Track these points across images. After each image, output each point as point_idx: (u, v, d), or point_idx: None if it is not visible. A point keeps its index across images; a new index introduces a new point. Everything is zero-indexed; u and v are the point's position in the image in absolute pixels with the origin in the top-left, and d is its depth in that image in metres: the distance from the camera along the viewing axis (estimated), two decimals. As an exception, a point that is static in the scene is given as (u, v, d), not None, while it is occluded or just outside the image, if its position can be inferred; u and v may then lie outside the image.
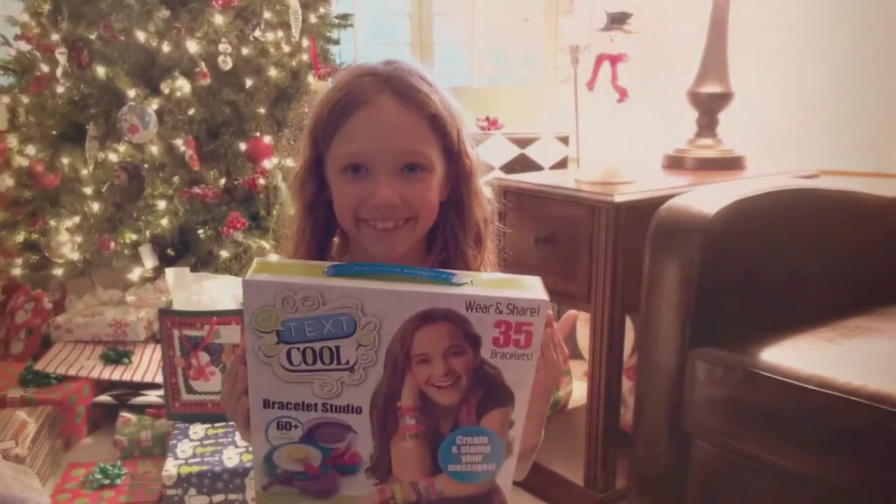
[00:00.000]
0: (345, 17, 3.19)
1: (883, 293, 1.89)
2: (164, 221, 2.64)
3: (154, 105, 2.60)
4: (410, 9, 3.52)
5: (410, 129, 0.95)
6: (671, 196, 1.75)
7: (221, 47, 2.65)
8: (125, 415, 2.35)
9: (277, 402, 0.81)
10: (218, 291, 2.47)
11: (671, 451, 1.68)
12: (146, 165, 2.66)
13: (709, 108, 2.33)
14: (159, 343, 2.36)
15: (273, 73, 2.78)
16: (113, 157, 2.65)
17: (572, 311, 0.97)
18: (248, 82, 2.74)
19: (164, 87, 2.63)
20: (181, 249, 2.77)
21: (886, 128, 2.36)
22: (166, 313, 2.30)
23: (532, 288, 0.80)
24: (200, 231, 2.68)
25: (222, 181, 2.70)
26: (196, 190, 2.65)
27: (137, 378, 2.46)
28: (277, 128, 2.82)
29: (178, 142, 2.64)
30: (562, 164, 2.90)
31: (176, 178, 2.67)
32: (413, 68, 0.98)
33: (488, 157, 2.73)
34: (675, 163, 2.34)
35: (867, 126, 2.41)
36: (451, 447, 0.84)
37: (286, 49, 2.84)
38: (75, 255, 2.70)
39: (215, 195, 2.67)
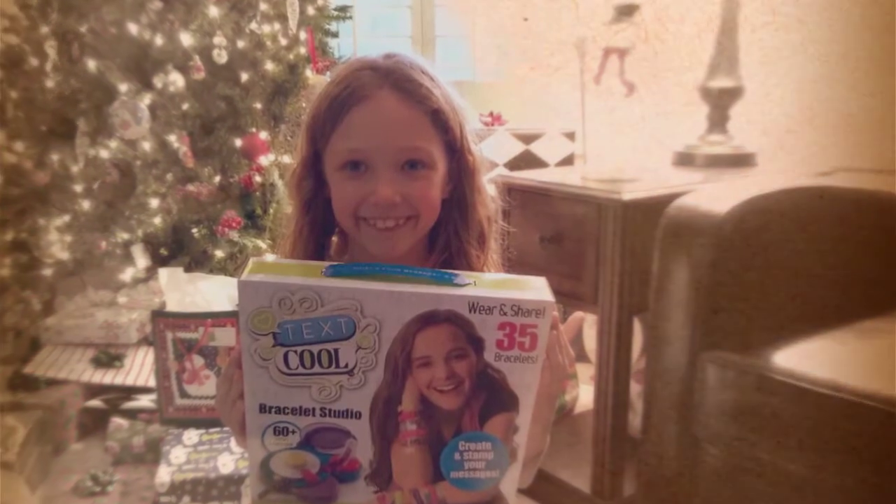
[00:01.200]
0: (343, 8, 3.19)
1: (899, 294, 1.89)
2: (157, 220, 2.64)
3: (147, 100, 2.60)
4: (411, 0, 3.52)
5: (411, 125, 0.95)
6: (681, 194, 1.75)
7: (216, 40, 2.65)
8: (117, 420, 2.35)
9: (274, 406, 0.81)
10: (213, 292, 2.47)
11: (681, 457, 1.68)
12: (139, 162, 2.66)
13: (720, 104, 2.33)
14: (152, 346, 2.36)
15: (270, 66, 2.78)
16: (104, 154, 2.65)
17: (579, 313, 0.97)
18: (244, 76, 2.74)
19: (157, 82, 2.63)
20: (175, 249, 2.77)
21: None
22: (159, 315, 2.30)
23: (537, 289, 0.80)
24: (194, 230, 2.68)
25: (217, 178, 2.70)
26: (190, 188, 2.65)
27: (129, 382, 2.46)
28: (274, 123, 2.82)
29: (172, 138, 2.64)
30: (568, 161, 2.90)
31: (169, 176, 2.67)
32: (414, 62, 0.98)
33: (492, 153, 2.73)
34: (684, 159, 2.34)
35: (883, 122, 2.41)
36: (453, 453, 0.84)
37: (283, 42, 2.84)
38: (65, 255, 2.70)
39: (210, 193, 2.67)
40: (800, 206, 1.81)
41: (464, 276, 0.79)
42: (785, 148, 2.53)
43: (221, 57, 2.66)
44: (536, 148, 2.85)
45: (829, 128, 2.50)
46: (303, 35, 2.91)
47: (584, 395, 2.56)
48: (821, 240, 1.81)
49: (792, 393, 1.47)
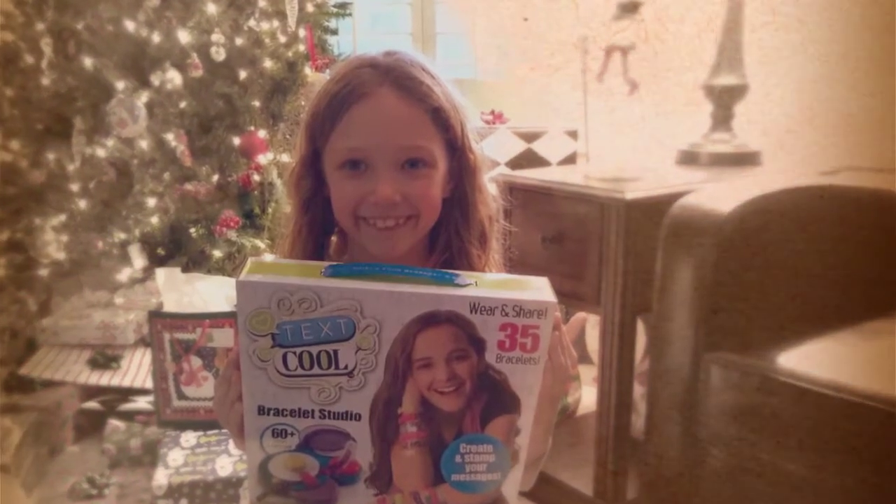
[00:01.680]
0: (343, 5, 3.19)
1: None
2: (155, 220, 2.65)
3: (144, 98, 2.60)
4: (412, -4, 3.52)
5: (411, 123, 0.95)
6: (684, 193, 1.75)
7: (214, 37, 2.65)
8: (114, 422, 2.35)
9: (273, 408, 0.81)
10: (210, 293, 2.47)
11: (684, 459, 1.68)
12: (136, 161, 2.66)
13: (723, 102, 2.33)
14: (149, 347, 2.36)
15: (268, 64, 2.79)
16: (101, 153, 2.66)
17: (581, 314, 0.97)
18: (242, 74, 2.74)
19: (155, 79, 2.63)
20: (172, 249, 2.77)
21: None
22: (156, 315, 2.30)
23: (539, 289, 0.80)
24: (192, 230, 2.68)
25: (215, 177, 2.70)
26: (188, 187, 2.65)
27: (126, 383, 2.46)
28: (273, 122, 2.82)
29: (169, 136, 2.64)
30: (570, 160, 2.90)
31: (167, 175, 2.67)
32: (415, 59, 0.98)
33: (493, 152, 2.73)
34: (688, 158, 2.34)
35: (883, 122, 2.42)
36: (454, 456, 0.84)
37: (282, 39, 2.84)
38: (61, 255, 2.70)
39: (208, 192, 2.67)
40: (800, 206, 1.81)
41: (465, 276, 0.79)
42: (785, 148, 2.53)
43: (219, 54, 2.66)
44: (538, 146, 2.84)
45: (829, 128, 2.50)
46: (302, 32, 2.91)
47: (586, 397, 2.56)
48: (821, 240, 1.81)
49: (793, 393, 1.48)
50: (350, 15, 3.26)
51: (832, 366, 1.52)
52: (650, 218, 1.79)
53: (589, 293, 1.94)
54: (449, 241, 1.01)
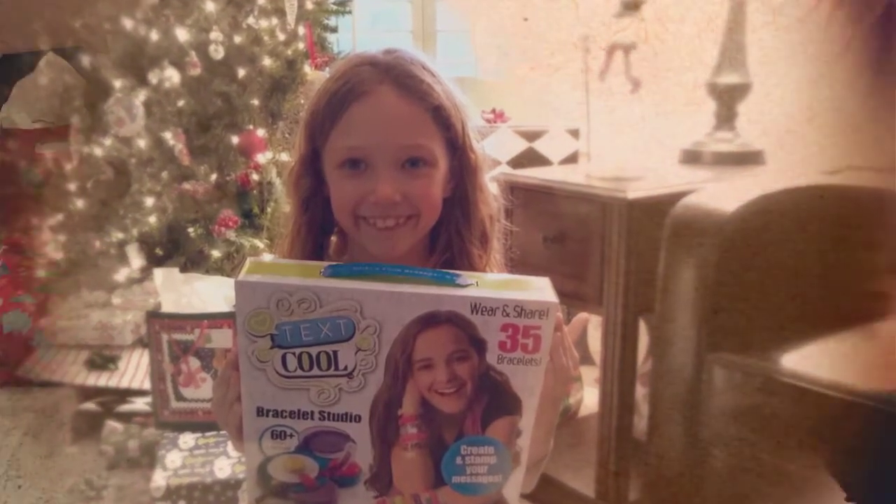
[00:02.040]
0: (343, 3, 3.19)
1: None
2: (153, 219, 2.64)
3: (142, 96, 2.60)
4: (412, -6, 3.52)
5: (412, 122, 0.94)
6: (687, 193, 1.75)
7: (213, 35, 2.65)
8: (111, 423, 2.35)
9: (272, 409, 0.80)
10: (209, 293, 2.47)
11: (686, 459, 1.68)
12: (133, 160, 2.66)
13: (727, 101, 2.33)
14: (147, 347, 2.36)
15: (267, 62, 2.78)
16: (98, 152, 2.65)
17: (583, 314, 0.97)
18: (241, 72, 2.74)
19: (153, 78, 2.63)
20: (170, 249, 2.77)
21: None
22: (154, 316, 2.30)
23: (541, 289, 0.79)
24: (190, 229, 2.68)
25: (213, 177, 2.70)
26: (186, 186, 2.65)
27: (124, 384, 2.46)
28: (272, 120, 2.82)
29: (167, 135, 2.64)
30: (572, 159, 2.89)
31: (165, 174, 2.67)
32: (415, 58, 0.98)
33: (494, 150, 2.72)
34: (691, 157, 2.33)
35: (883, 122, 2.42)
36: (455, 457, 0.83)
37: (281, 37, 2.84)
38: (59, 255, 2.70)
39: (206, 191, 2.67)
40: (800, 206, 1.81)
41: (466, 276, 0.79)
42: (785, 148, 2.53)
43: (218, 52, 2.66)
44: (540, 145, 2.84)
45: (829, 128, 2.50)
46: (301, 30, 2.90)
47: (588, 398, 2.55)
48: (821, 240, 1.80)
49: (794, 394, 1.48)
50: (350, 12, 3.26)
51: (832, 366, 1.52)
52: (652, 218, 1.79)
53: (591, 293, 1.94)
54: (450, 240, 1.01)
